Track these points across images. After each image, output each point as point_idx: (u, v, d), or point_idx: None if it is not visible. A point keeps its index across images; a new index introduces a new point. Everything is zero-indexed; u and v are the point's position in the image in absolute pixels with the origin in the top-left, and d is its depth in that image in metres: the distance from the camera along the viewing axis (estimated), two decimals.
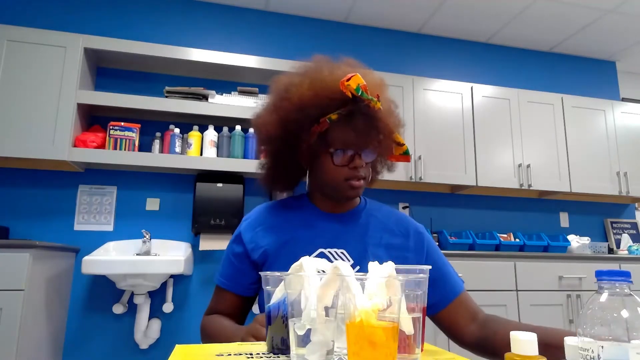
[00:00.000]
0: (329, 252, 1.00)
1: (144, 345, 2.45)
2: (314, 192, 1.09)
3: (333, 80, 0.93)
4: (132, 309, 2.48)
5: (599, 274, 0.52)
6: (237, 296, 1.04)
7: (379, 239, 1.04)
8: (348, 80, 0.90)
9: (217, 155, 2.62)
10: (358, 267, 0.98)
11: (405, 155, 1.03)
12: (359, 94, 0.90)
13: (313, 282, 0.58)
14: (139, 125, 2.55)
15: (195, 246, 2.65)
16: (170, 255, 2.37)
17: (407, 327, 0.57)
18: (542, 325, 0.82)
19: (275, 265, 0.98)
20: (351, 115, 0.95)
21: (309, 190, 1.11)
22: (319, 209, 1.07)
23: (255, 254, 1.01)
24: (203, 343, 0.92)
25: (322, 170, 1.00)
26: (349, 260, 0.99)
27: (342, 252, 1.00)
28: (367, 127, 0.95)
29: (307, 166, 1.04)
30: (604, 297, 0.50)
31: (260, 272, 0.69)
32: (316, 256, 0.98)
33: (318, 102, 0.94)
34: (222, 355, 0.63)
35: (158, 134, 2.63)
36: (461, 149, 2.98)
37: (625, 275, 0.50)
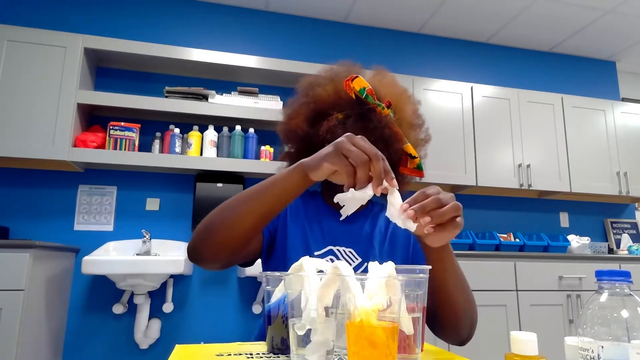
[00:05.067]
0: (338, 250, 1.00)
1: (144, 345, 2.45)
2: (326, 190, 1.10)
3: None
4: (132, 309, 2.48)
5: (599, 274, 0.52)
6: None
7: (384, 238, 1.05)
8: (352, 80, 0.92)
9: (217, 155, 2.61)
10: (365, 265, 0.99)
11: (419, 170, 1.01)
12: (363, 96, 0.93)
13: (313, 282, 0.58)
14: (139, 125, 2.55)
15: None
16: (170, 255, 2.37)
17: (407, 327, 0.57)
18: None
19: (283, 254, 0.97)
20: (356, 116, 0.97)
21: (322, 187, 1.12)
22: (331, 206, 1.07)
23: (273, 224, 0.99)
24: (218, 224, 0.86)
25: None
26: (357, 259, 1.00)
27: (350, 252, 1.00)
28: (367, 130, 0.95)
29: None
30: (604, 297, 0.50)
31: (259, 272, 0.69)
32: (325, 253, 0.98)
33: (331, 101, 1.00)
34: (222, 355, 0.63)
35: (158, 134, 2.63)
36: (461, 149, 2.98)
37: (625, 275, 0.50)
